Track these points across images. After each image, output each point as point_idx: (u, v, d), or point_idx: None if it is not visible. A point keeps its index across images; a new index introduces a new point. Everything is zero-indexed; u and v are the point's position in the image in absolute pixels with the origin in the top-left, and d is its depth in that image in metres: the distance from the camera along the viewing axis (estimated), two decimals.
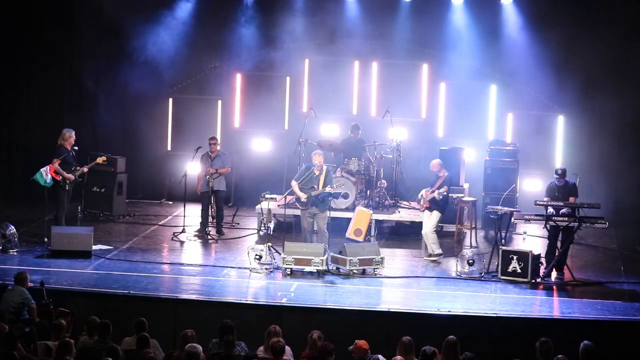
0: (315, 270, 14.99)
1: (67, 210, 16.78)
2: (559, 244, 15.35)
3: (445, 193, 16.00)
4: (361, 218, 17.23)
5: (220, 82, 20.99)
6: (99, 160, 17.21)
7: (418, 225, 17.72)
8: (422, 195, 16.32)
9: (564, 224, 15.02)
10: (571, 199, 15.20)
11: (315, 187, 15.75)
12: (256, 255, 15.17)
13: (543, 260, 15.31)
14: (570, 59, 19.56)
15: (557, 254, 15.16)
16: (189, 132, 20.36)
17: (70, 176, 16.49)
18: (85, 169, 16.92)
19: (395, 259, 16.26)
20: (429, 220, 16.20)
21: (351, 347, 10.68)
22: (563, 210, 15.07)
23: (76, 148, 16.77)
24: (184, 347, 10.41)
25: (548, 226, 15.18)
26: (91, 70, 20.87)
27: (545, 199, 15.30)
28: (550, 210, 15.11)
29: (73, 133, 16.75)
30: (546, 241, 15.58)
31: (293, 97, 20.76)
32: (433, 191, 16.07)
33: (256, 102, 20.66)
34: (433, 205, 16.14)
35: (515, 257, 14.92)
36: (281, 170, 19.12)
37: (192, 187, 17.83)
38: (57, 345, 10.57)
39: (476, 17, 19.89)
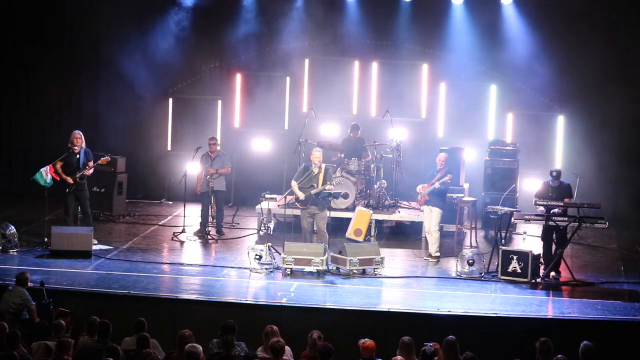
0: (315, 270, 14.98)
1: (72, 213, 16.64)
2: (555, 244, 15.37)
3: (449, 181, 15.95)
4: (361, 218, 17.22)
5: (220, 82, 20.99)
6: (102, 161, 16.83)
7: (418, 225, 17.75)
8: (419, 190, 16.29)
9: (564, 224, 15.01)
10: (566, 200, 15.20)
11: (315, 185, 15.74)
12: (256, 255, 15.16)
13: (542, 260, 15.31)
14: (571, 58, 19.56)
15: (554, 253, 15.16)
16: (189, 132, 20.35)
17: (67, 178, 16.33)
18: (87, 172, 16.47)
19: (395, 259, 16.24)
20: (431, 218, 16.14)
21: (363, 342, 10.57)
22: (555, 210, 15.07)
23: (74, 149, 16.56)
24: (182, 346, 10.41)
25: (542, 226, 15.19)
26: (91, 70, 20.88)
27: (536, 198, 15.25)
28: (541, 209, 15.06)
29: (76, 133, 16.45)
30: None
31: (293, 97, 20.75)
32: (433, 183, 16.02)
33: (256, 102, 20.64)
34: (432, 197, 16.09)
35: (515, 257, 14.90)
36: (281, 170, 19.09)
37: (192, 187, 17.82)
38: (56, 345, 10.58)
39: (476, 17, 19.88)
